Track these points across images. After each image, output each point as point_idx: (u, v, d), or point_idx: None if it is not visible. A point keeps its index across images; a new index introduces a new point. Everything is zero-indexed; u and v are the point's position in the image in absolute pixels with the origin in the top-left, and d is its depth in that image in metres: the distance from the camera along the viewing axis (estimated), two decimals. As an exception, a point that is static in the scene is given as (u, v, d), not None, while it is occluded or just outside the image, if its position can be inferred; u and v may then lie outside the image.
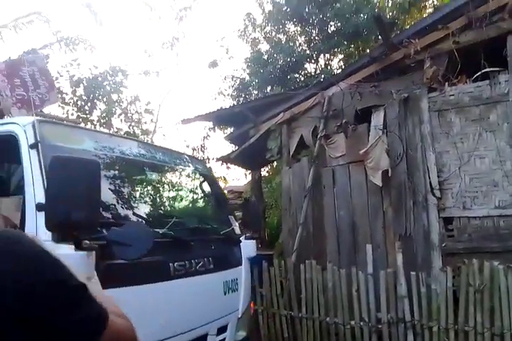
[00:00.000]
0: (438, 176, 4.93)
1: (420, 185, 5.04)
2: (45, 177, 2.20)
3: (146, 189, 3.37)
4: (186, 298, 2.73)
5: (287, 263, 5.40)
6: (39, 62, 4.01)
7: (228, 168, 11.12)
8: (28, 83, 3.76)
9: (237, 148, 7.47)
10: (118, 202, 2.72)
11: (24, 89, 3.74)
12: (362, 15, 10.50)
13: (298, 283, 5.20)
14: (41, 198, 2.15)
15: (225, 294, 3.16)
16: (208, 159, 10.10)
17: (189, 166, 3.82)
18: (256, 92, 11.77)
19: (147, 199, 3.27)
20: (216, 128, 10.35)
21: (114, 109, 7.36)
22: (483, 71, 4.81)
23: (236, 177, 13.42)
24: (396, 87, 5.30)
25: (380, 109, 5.37)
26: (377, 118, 5.36)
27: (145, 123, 8.79)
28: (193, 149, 10.39)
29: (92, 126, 7.10)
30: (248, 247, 3.58)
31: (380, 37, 6.01)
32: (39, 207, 2.14)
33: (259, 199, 7.97)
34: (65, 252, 2.01)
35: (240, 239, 3.53)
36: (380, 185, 5.16)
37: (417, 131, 5.15)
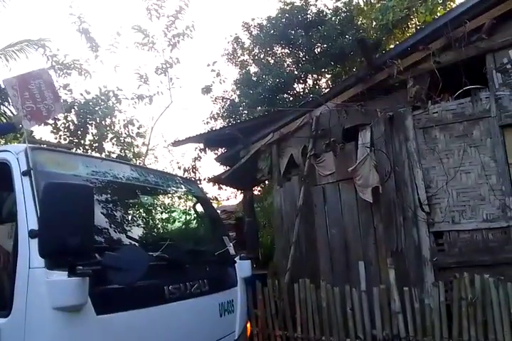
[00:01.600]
0: (426, 192, 5.02)
1: (409, 200, 5.12)
2: (37, 204, 2.22)
3: (140, 212, 3.39)
4: (182, 322, 2.72)
5: (281, 283, 5.39)
6: (45, 75, 4.16)
7: (220, 188, 11.15)
8: (36, 95, 3.92)
9: (228, 168, 7.53)
10: (112, 227, 2.73)
11: (33, 101, 3.89)
12: (347, 36, 10.81)
13: (292, 302, 5.18)
14: (34, 225, 2.17)
15: (221, 316, 3.15)
16: (200, 180, 10.12)
17: (182, 188, 3.86)
18: (246, 113, 11.95)
19: (141, 222, 3.28)
20: (207, 149, 10.42)
21: (106, 133, 7.40)
22: (464, 89, 4.98)
23: (227, 197, 13.41)
24: (381, 106, 5.44)
25: (367, 128, 5.49)
26: (364, 137, 5.48)
27: (137, 146, 8.84)
28: (185, 170, 10.41)
29: (84, 151, 7.12)
30: (243, 267, 3.58)
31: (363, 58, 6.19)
32: (32, 234, 2.15)
33: (252, 219, 7.99)
34: (58, 278, 2.03)
35: (235, 259, 3.54)
36: (371, 202, 5.23)
37: (403, 148, 5.27)
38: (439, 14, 9.55)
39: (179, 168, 10.62)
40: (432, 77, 5.11)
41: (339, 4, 12.77)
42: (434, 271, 4.84)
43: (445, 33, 5.00)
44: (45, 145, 3.57)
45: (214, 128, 11.66)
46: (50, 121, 7.39)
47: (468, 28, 4.89)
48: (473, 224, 4.75)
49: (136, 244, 2.83)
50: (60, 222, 1.92)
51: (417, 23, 11.60)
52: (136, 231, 3.06)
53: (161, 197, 3.91)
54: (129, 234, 2.85)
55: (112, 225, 2.75)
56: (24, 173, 2.33)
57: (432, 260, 4.86)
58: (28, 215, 2.22)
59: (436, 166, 5.03)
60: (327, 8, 12.30)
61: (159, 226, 3.70)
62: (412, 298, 4.50)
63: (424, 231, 4.98)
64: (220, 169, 10.77)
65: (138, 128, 8.27)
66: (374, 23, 11.76)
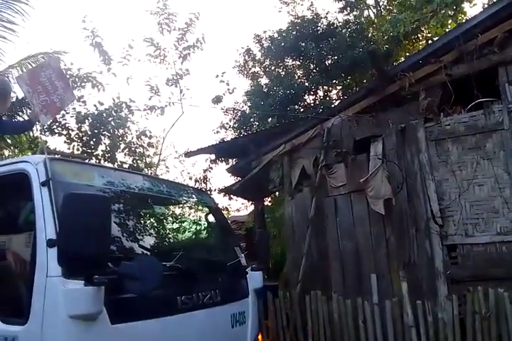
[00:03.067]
0: (439, 204, 5.00)
1: (422, 213, 5.09)
2: (55, 213, 2.26)
3: (154, 222, 3.42)
4: (194, 332, 2.72)
5: (292, 294, 5.36)
6: (54, 64, 4.08)
7: (230, 199, 11.15)
8: (48, 87, 3.83)
9: (239, 179, 7.56)
10: (128, 237, 2.77)
11: (46, 94, 3.80)
12: (358, 48, 10.87)
13: (304, 314, 5.15)
14: (52, 234, 2.21)
15: (232, 327, 3.14)
16: (211, 191, 10.15)
17: (195, 198, 3.89)
18: (257, 124, 11.99)
19: (155, 232, 3.31)
20: (218, 160, 10.47)
21: (118, 144, 7.49)
22: (477, 101, 4.97)
23: (237, 209, 13.43)
24: (393, 118, 5.46)
25: (379, 140, 5.50)
26: (375, 148, 5.48)
27: (148, 156, 8.92)
28: (196, 181, 10.46)
29: (97, 161, 7.21)
30: (255, 278, 3.58)
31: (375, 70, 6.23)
32: (50, 243, 2.19)
33: (263, 230, 7.99)
34: (74, 287, 2.06)
35: (247, 270, 3.54)
36: (383, 214, 5.20)
37: (415, 160, 5.26)
38: (449, 27, 9.62)
39: (190, 178, 10.68)
40: (444, 89, 5.13)
41: (350, 17, 12.91)
42: (447, 284, 4.79)
43: (457, 46, 5.03)
44: (60, 156, 3.62)
45: (225, 139, 11.72)
46: (64, 132, 7.52)
47: (480, 41, 4.92)
48: (487, 237, 4.71)
49: (150, 253, 2.86)
50: (78, 232, 1.95)
51: (427, 35, 11.67)
52: (151, 241, 3.09)
53: (174, 207, 3.94)
54: (143, 243, 2.88)
55: (127, 235, 2.78)
56: (43, 184, 2.38)
57: (446, 273, 4.81)
58: (46, 225, 2.26)
59: (449, 178, 5.00)
60: (337, 20, 12.42)
61: (172, 236, 3.72)
62: (425, 311, 4.45)
63: (437, 243, 4.93)
64: (230, 180, 10.80)
65: (149, 138, 8.37)
66: (384, 36, 11.85)
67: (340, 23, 12.18)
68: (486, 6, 8.77)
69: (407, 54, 11.07)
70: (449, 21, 10.60)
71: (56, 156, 3.09)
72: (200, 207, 4.12)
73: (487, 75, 4.93)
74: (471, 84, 4.86)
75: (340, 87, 12.78)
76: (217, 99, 9.88)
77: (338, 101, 11.40)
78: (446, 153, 5.08)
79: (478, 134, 4.93)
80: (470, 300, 4.23)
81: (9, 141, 8.94)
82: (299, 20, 12.18)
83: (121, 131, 7.70)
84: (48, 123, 6.18)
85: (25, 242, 2.77)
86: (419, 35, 11.72)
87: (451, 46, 5.11)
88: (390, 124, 5.42)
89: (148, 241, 3.08)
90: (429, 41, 10.89)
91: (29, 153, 7.61)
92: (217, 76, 10.64)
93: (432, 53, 5.25)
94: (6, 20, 8.06)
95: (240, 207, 13.54)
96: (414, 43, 11.74)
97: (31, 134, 8.62)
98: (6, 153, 9.45)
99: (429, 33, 11.29)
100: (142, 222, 3.24)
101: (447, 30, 9.08)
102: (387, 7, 13.89)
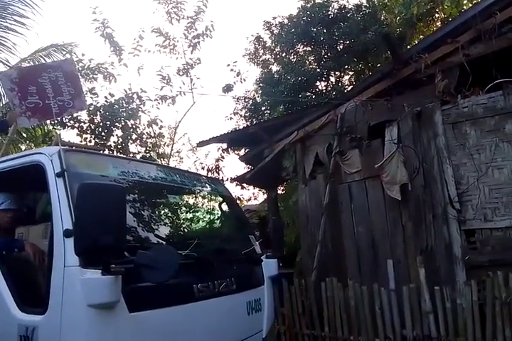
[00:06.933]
0: (456, 188, 4.89)
1: (439, 198, 5.01)
2: (71, 204, 2.27)
3: (169, 211, 3.43)
4: (211, 320, 2.75)
5: (307, 282, 5.36)
6: (66, 67, 3.68)
7: (243, 188, 11.16)
8: (48, 90, 3.44)
9: (251, 168, 7.54)
10: (143, 226, 2.78)
11: (40, 96, 3.41)
12: (370, 32, 10.65)
13: (319, 301, 5.14)
14: (68, 225, 2.22)
15: (248, 314, 3.16)
16: (223, 180, 10.15)
17: (209, 188, 3.89)
18: (268, 112, 11.91)
19: (170, 221, 3.33)
20: (229, 150, 10.44)
21: (130, 135, 7.49)
22: (495, 82, 4.82)
23: (249, 197, 13.47)
24: (408, 101, 5.33)
25: (394, 124, 5.40)
26: (391, 133, 5.38)
27: (160, 146, 8.94)
28: (208, 170, 10.47)
29: (109, 152, 7.23)
30: (270, 266, 3.58)
31: (389, 53, 6.09)
32: (67, 234, 2.21)
33: (277, 218, 7.99)
34: (92, 276, 2.08)
35: (262, 258, 3.54)
36: (399, 199, 5.13)
37: (432, 144, 5.15)
38: (464, 7, 9.33)
39: (203, 168, 10.71)
40: (461, 70, 4.97)
41: (361, 0, 12.63)
42: (465, 270, 4.71)
43: (474, 25, 4.86)
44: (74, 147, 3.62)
45: (237, 128, 11.68)
46: (76, 125, 7.52)
47: (499, 19, 4.74)
48: (507, 222, 4.60)
49: (166, 242, 2.87)
50: (94, 222, 1.96)
51: (442, 16, 11.36)
52: (166, 231, 3.10)
53: (188, 196, 3.94)
54: (158, 233, 2.89)
55: (143, 224, 2.79)
56: (58, 175, 2.39)
57: (464, 258, 4.74)
58: (62, 215, 2.27)
59: (467, 162, 4.89)
60: (349, 3, 12.16)
61: (188, 225, 3.73)
62: (443, 297, 4.39)
63: (455, 229, 4.85)
64: (242, 169, 10.79)
65: (160, 128, 8.35)
66: (397, 18, 11.57)
67: (352, 7, 11.92)
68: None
69: (422, 36, 10.82)
70: (464, 1, 10.29)
71: (70, 147, 3.10)
72: (214, 196, 4.12)
73: (506, 54, 4.76)
74: (490, 64, 4.70)
75: (353, 73, 12.59)
76: (228, 88, 9.80)
77: (351, 86, 11.24)
78: (464, 136, 4.96)
79: (497, 116, 4.79)
80: (490, 285, 4.16)
81: (24, 135, 9.04)
82: (309, 5, 11.96)
83: (132, 121, 7.70)
84: (31, 126, 5.65)
85: (42, 233, 2.81)
86: (433, 17, 11.42)
87: (468, 25, 4.93)
88: (406, 108, 5.30)
89: (164, 230, 3.10)
90: (444, 22, 10.61)
91: (44, 147, 7.66)
92: (228, 65, 10.57)
93: (449, 33, 5.08)
94: (17, 14, 8.10)
95: (251, 197, 13.60)
96: (428, 25, 11.44)
97: (45, 128, 8.69)
98: (22, 147, 9.56)
99: (443, 14, 10.99)
100: (157, 211, 3.25)
101: (462, 10, 8.82)
102: (400, -12, 13.55)
